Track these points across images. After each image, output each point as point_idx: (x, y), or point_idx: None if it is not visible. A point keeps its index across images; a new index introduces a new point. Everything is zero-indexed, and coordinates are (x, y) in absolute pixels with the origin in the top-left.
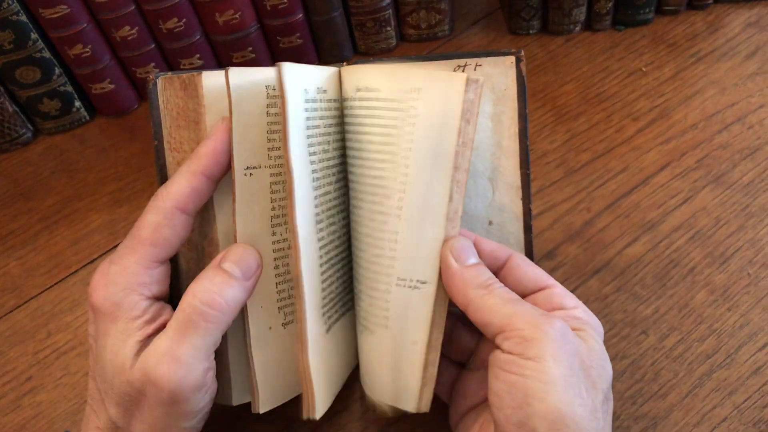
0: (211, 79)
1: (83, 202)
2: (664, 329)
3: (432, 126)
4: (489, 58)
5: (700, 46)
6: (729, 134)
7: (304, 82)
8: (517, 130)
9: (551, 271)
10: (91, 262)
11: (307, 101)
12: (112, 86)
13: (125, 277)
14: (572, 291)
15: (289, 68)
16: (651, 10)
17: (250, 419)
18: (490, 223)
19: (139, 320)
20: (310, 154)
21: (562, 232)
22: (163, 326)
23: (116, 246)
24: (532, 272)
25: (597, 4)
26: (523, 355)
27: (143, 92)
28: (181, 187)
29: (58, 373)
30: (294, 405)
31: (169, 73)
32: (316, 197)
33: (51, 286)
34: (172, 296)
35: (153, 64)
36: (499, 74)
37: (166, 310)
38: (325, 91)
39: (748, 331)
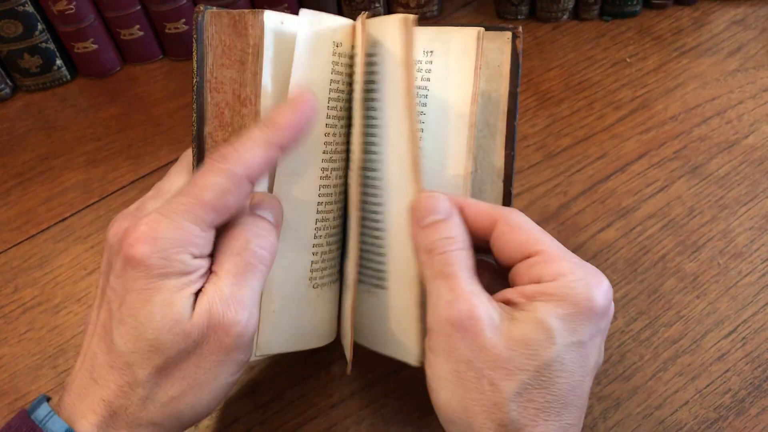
0: (272, 20)
1: (59, 161)
2: (632, 313)
3: (448, 84)
4: (486, 33)
5: (684, 41)
6: (708, 127)
7: (334, 35)
8: (506, 109)
9: None
10: (63, 220)
11: (334, 54)
12: (95, 46)
13: (179, 236)
14: None
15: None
16: (638, 3)
17: None
18: None
19: (192, 275)
20: (329, 108)
21: (537, 214)
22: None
23: (89, 206)
24: (516, 240)
25: None
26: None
27: (126, 54)
28: (255, 156)
29: (22, 327)
30: (259, 367)
31: (215, 7)
32: (324, 152)
33: (20, 242)
34: None
35: (138, 26)
36: (493, 50)
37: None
38: (340, 44)
39: (715, 318)
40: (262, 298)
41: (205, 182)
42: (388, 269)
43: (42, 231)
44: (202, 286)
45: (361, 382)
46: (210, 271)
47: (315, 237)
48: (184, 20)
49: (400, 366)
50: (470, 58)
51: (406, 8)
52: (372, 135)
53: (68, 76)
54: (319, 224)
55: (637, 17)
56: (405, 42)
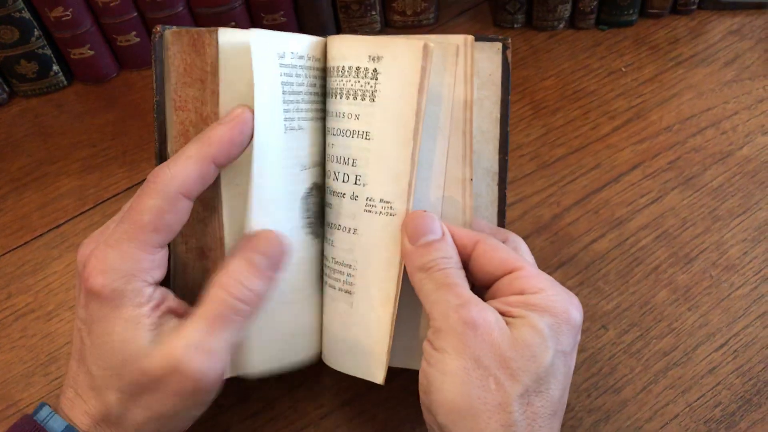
0: (227, 37)
1: (54, 166)
2: (624, 325)
3: (392, 95)
4: (476, 43)
5: (680, 50)
6: (702, 138)
7: (277, 46)
8: (498, 116)
9: None
10: (58, 226)
11: (283, 65)
12: (92, 52)
13: (126, 263)
14: None
15: (259, 34)
16: (635, 12)
17: None
18: None
19: (146, 307)
20: (287, 120)
21: (530, 224)
22: (169, 311)
23: (84, 212)
24: (498, 257)
25: (581, 2)
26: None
27: (122, 60)
28: (188, 171)
29: (15, 334)
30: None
31: (174, 27)
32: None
33: (15, 248)
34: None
35: (134, 33)
36: (484, 59)
37: (169, 295)
38: (309, 58)
39: (707, 331)
40: None
41: (141, 206)
42: (356, 285)
43: (36, 237)
44: (168, 315)
45: (351, 392)
46: (168, 300)
47: None
48: None
49: (391, 376)
50: (461, 65)
51: (403, 16)
52: (361, 149)
53: (65, 82)
54: None
55: (633, 26)
56: (423, 68)
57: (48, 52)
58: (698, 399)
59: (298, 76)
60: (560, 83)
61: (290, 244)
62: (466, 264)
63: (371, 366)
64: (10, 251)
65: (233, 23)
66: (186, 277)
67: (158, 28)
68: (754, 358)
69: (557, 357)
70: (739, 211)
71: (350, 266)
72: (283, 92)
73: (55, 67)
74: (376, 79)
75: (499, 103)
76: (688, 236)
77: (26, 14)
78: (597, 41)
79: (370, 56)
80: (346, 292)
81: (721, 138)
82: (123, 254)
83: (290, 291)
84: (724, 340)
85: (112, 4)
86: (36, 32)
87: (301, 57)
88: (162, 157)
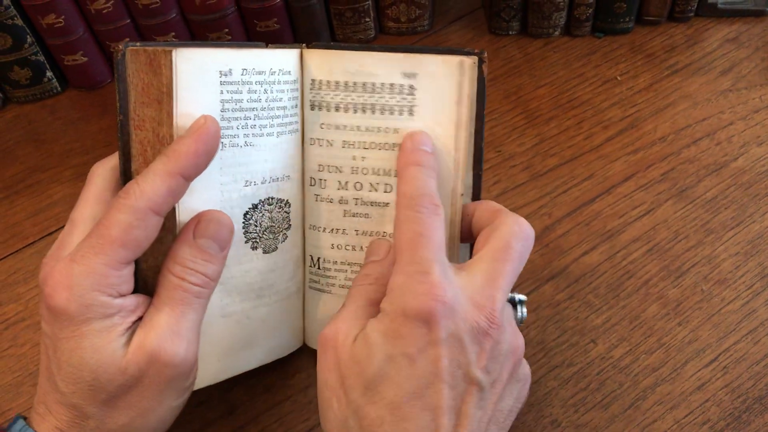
0: (183, 56)
1: (47, 174)
2: (613, 339)
3: (432, 109)
4: (450, 57)
5: (677, 59)
6: (697, 149)
7: (219, 64)
8: (473, 131)
9: None
10: (49, 234)
11: (225, 83)
12: (85, 59)
13: (92, 278)
14: (526, 295)
15: (189, 52)
16: (631, 20)
17: (191, 404)
18: None
19: (116, 316)
20: (227, 137)
21: None
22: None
23: None
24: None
25: (577, 9)
26: None
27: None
28: (156, 187)
29: (4, 344)
30: (237, 389)
31: (138, 44)
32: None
33: (5, 257)
34: None
35: (127, 39)
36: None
37: (140, 300)
38: (275, 72)
39: (697, 347)
40: None
41: (110, 220)
42: None
43: (28, 245)
44: (140, 319)
45: None
46: (141, 305)
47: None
48: (173, 34)
49: None
50: (451, 85)
51: (397, 23)
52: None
53: (59, 88)
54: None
55: (629, 34)
56: (459, 83)
57: (41, 58)
58: (686, 416)
59: (252, 92)
60: (554, 92)
61: (233, 224)
62: None
63: None
64: (1, 259)
65: (226, 30)
66: (146, 292)
67: (120, 45)
68: (744, 375)
69: (390, 362)
70: (732, 224)
71: None
72: (223, 110)
73: (49, 74)
74: (413, 95)
75: (474, 118)
76: (680, 249)
77: (19, 21)
78: (592, 49)
79: (404, 73)
80: None
81: (716, 149)
82: (89, 269)
83: (231, 303)
84: (713, 356)
85: (104, 11)
86: (29, 39)
87: (260, 72)
88: (127, 175)
